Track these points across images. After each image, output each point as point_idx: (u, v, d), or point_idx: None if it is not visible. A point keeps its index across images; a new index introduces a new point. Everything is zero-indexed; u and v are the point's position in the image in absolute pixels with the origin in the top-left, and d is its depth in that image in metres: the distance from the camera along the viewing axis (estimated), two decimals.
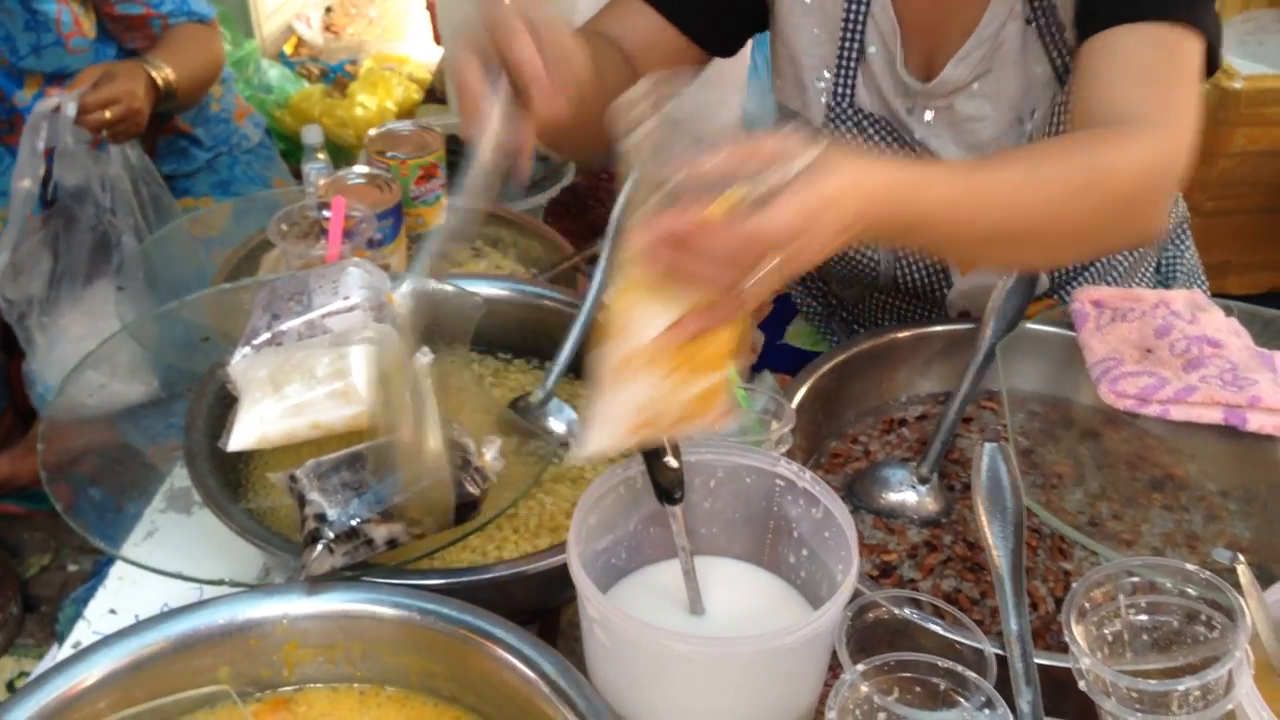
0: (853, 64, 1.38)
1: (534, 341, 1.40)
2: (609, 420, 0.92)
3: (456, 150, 2.00)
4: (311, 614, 1.02)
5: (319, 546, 1.01)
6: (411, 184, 1.64)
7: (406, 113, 2.84)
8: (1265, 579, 1.07)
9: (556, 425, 1.31)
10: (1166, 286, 1.62)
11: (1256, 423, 1.21)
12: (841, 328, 1.68)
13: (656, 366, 0.89)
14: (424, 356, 1.20)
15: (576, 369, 1.39)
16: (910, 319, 1.55)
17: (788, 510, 1.08)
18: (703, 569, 1.08)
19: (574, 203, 1.85)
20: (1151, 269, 1.60)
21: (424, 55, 3.23)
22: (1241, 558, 0.93)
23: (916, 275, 1.50)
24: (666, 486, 1.04)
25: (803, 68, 1.42)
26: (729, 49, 1.46)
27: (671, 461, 1.04)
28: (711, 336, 0.90)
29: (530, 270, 1.68)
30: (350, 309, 1.22)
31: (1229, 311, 1.35)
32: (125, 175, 1.97)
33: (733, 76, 2.05)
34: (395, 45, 3.61)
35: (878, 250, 1.49)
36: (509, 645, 0.98)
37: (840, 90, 1.38)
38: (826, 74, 1.39)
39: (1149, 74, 1.14)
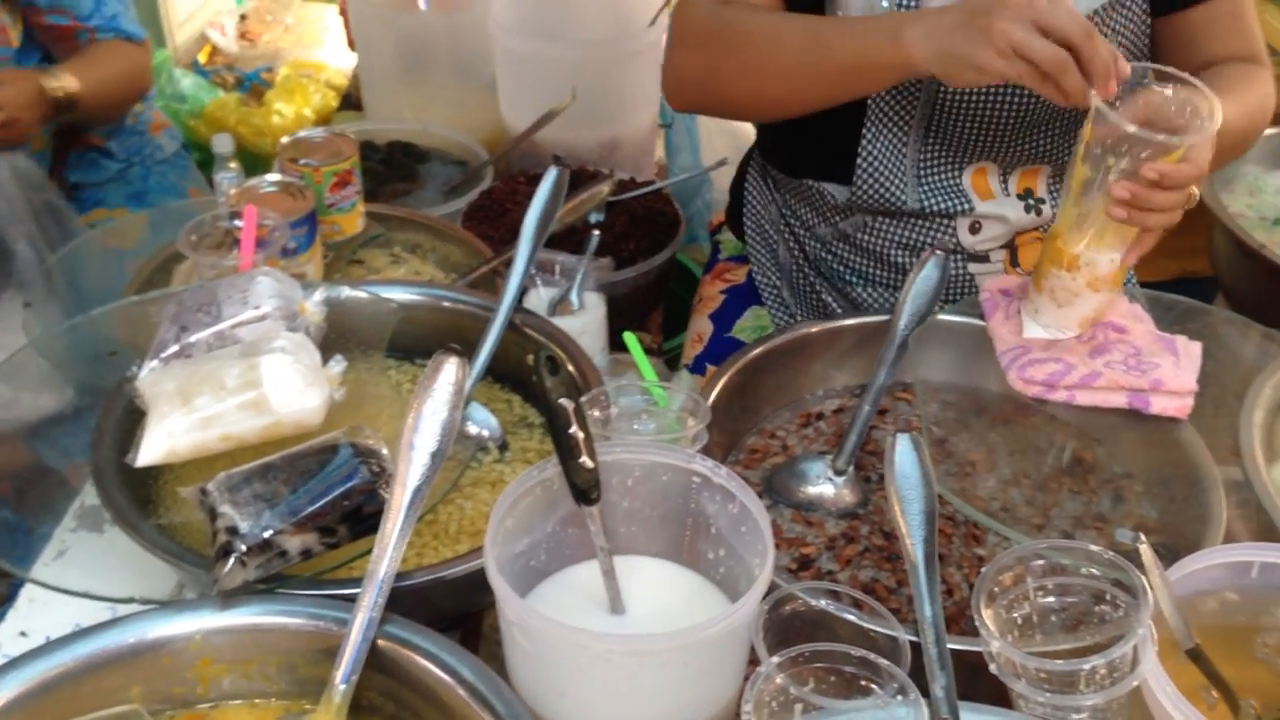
0: None
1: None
2: (1064, 324, 1.31)
3: (370, 156, 2.00)
4: (224, 628, 1.00)
5: (231, 560, 1.00)
6: (326, 191, 1.62)
7: (324, 120, 2.82)
8: (1171, 557, 1.09)
9: (475, 429, 1.30)
10: None
11: (1159, 405, 1.24)
12: (805, 306, 1.70)
13: (1099, 288, 1.28)
14: (337, 365, 1.20)
15: (495, 372, 1.39)
16: (919, 246, 1.57)
17: (705, 506, 1.09)
18: (622, 568, 1.08)
19: (492, 207, 1.83)
20: None
21: (341, 61, 3.20)
22: (1144, 538, 0.95)
23: (939, 199, 1.53)
24: (583, 487, 1.04)
25: None
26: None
27: (587, 462, 1.04)
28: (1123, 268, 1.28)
29: (450, 275, 1.67)
30: (261, 318, 1.21)
31: (1132, 297, 1.38)
32: (13, 182, 1.92)
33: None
34: (312, 52, 3.57)
35: (906, 179, 1.52)
36: (427, 652, 0.98)
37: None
38: None
39: (1242, 21, 1.49)
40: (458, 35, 2.06)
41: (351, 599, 0.99)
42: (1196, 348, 1.30)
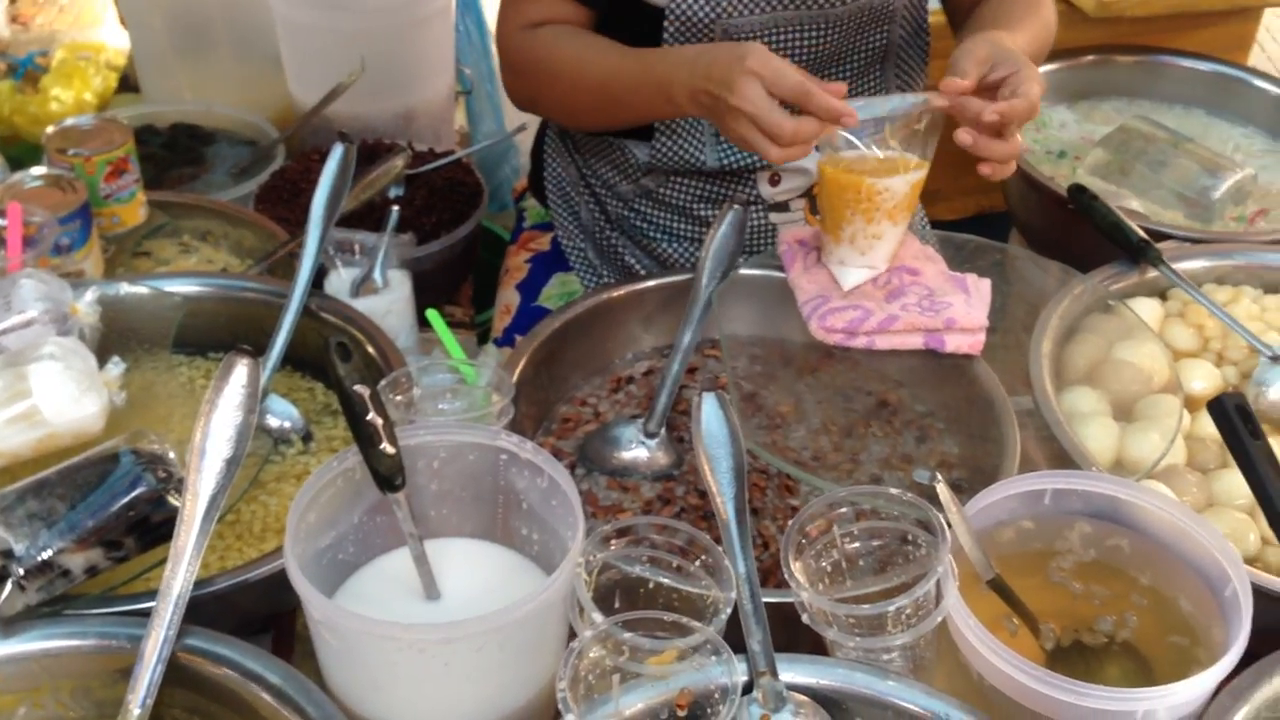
0: None
1: (245, 337, 1.33)
2: (873, 264, 1.32)
3: (150, 141, 1.89)
4: (8, 657, 0.95)
5: (8, 585, 0.94)
6: (100, 181, 1.53)
7: (106, 104, 2.66)
8: (974, 489, 1.12)
9: (276, 421, 1.26)
10: None
11: (954, 343, 1.27)
12: (611, 267, 1.69)
13: (898, 219, 1.30)
14: (115, 367, 1.14)
15: (294, 360, 1.34)
16: (721, 199, 1.59)
17: (514, 482, 1.07)
18: (436, 551, 1.06)
19: (285, 187, 1.76)
20: None
21: (122, 40, 3.03)
22: (939, 476, 0.97)
23: (738, 156, 1.54)
24: (386, 474, 1.01)
25: None
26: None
27: (388, 448, 1.01)
28: (917, 189, 1.31)
29: (245, 261, 1.60)
30: (27, 324, 1.13)
31: (924, 238, 1.41)
32: None
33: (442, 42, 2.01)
34: (91, 32, 3.36)
35: (704, 141, 1.53)
36: (230, 661, 0.94)
37: None
38: None
39: None
40: (235, 8, 1.96)
41: (147, 614, 0.94)
42: (986, 284, 1.34)
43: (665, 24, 1.44)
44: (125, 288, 1.27)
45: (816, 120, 1.23)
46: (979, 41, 1.30)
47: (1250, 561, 1.14)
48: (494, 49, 2.39)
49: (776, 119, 1.22)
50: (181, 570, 0.94)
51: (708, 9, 1.42)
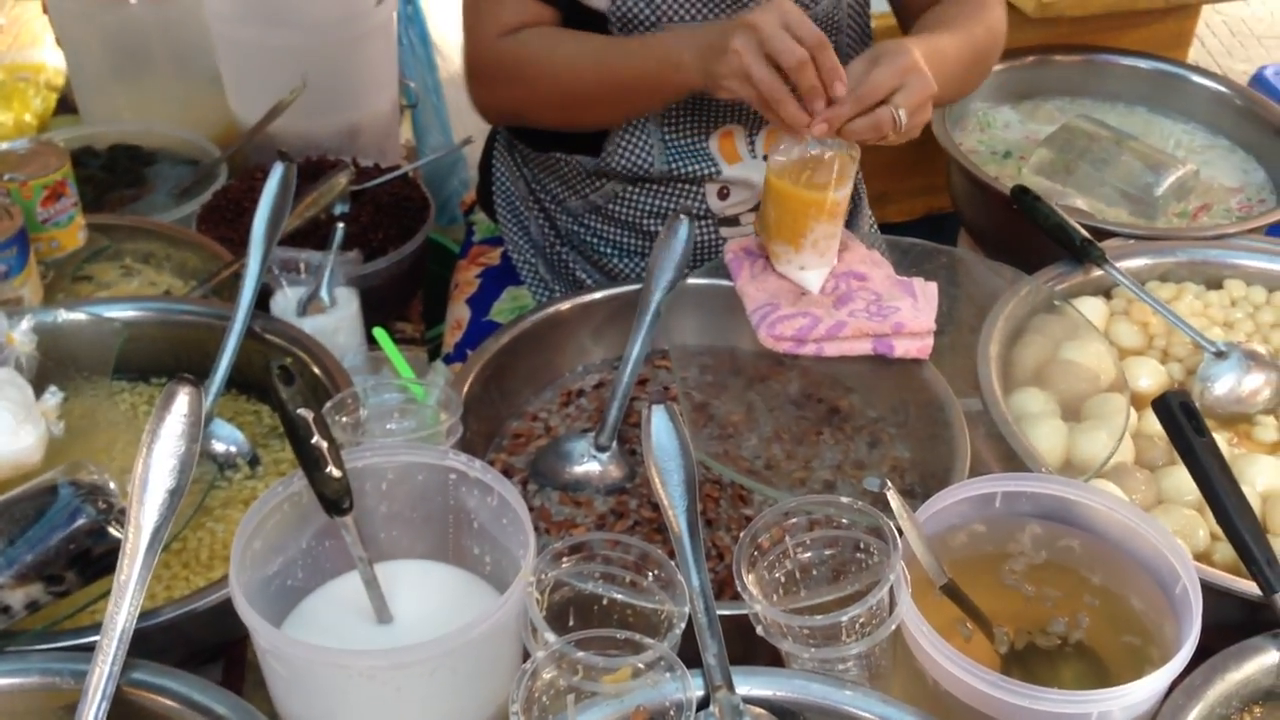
0: None
1: (188, 361, 1.31)
2: (828, 260, 1.35)
3: (89, 163, 1.86)
4: None
5: None
6: (37, 206, 1.50)
7: (45, 125, 2.62)
8: (926, 493, 1.12)
9: (221, 446, 1.24)
10: (854, 209, 1.70)
11: (902, 348, 1.28)
12: (562, 282, 1.68)
13: (835, 217, 1.32)
14: (53, 396, 1.11)
15: (239, 384, 1.32)
16: (669, 213, 1.57)
17: (465, 502, 1.06)
18: (388, 574, 1.05)
19: (229, 207, 1.74)
20: None
21: (61, 60, 2.99)
22: (889, 483, 0.97)
23: (686, 162, 1.53)
24: (332, 498, 1.00)
25: None
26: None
27: (334, 471, 0.99)
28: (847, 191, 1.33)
29: (189, 283, 1.57)
30: None
31: (870, 243, 1.41)
32: None
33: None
34: (31, 53, 3.32)
35: (652, 144, 1.51)
36: (176, 694, 0.93)
37: None
38: None
39: None
40: (172, 27, 1.93)
41: (91, 648, 0.92)
42: (933, 287, 1.34)
43: (608, 28, 1.44)
44: (63, 314, 1.25)
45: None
46: (866, 55, 1.30)
47: (1199, 558, 1.15)
48: (439, 61, 2.39)
49: (787, 40, 1.21)
50: (125, 604, 0.92)
51: (649, 13, 1.42)
